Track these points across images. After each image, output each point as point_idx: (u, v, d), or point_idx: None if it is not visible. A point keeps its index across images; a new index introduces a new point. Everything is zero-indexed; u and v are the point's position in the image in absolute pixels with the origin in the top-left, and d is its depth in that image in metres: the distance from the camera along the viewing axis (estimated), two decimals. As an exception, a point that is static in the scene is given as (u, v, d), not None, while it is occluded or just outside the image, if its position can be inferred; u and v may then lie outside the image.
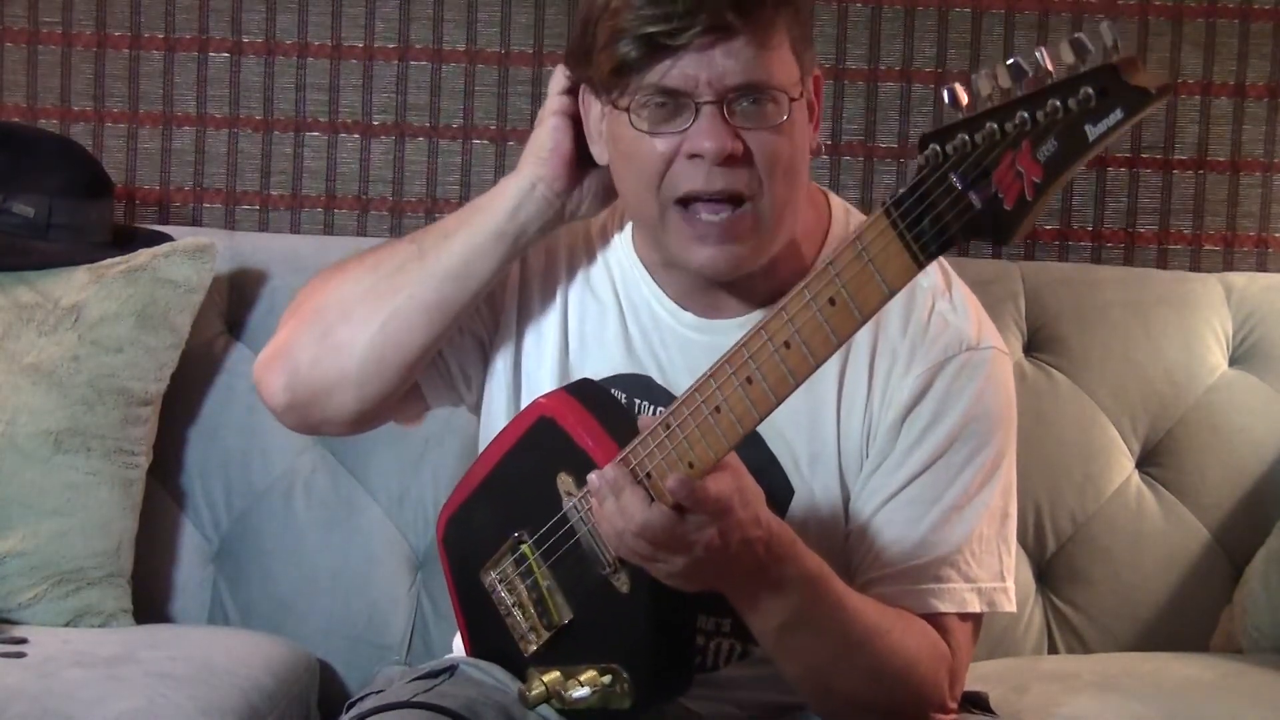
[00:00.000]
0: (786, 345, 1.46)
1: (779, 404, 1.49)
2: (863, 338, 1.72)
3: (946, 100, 1.35)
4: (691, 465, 1.50)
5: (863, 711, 1.68)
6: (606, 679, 1.62)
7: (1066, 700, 2.09)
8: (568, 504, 1.62)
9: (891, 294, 1.41)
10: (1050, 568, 2.40)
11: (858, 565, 1.72)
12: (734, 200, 1.64)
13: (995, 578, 1.73)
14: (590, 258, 1.81)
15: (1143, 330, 2.44)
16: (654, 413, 1.73)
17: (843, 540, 1.73)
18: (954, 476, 1.71)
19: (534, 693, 1.64)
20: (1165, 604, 2.39)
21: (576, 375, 1.77)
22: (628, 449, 1.54)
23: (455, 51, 2.64)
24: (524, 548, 1.68)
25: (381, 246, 1.85)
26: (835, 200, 1.81)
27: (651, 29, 1.59)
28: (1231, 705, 2.12)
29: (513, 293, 1.82)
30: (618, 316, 1.78)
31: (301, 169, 2.66)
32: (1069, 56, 1.31)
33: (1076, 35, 1.32)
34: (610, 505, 1.53)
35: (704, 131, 1.61)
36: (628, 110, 1.64)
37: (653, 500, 1.51)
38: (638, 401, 1.75)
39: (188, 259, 2.34)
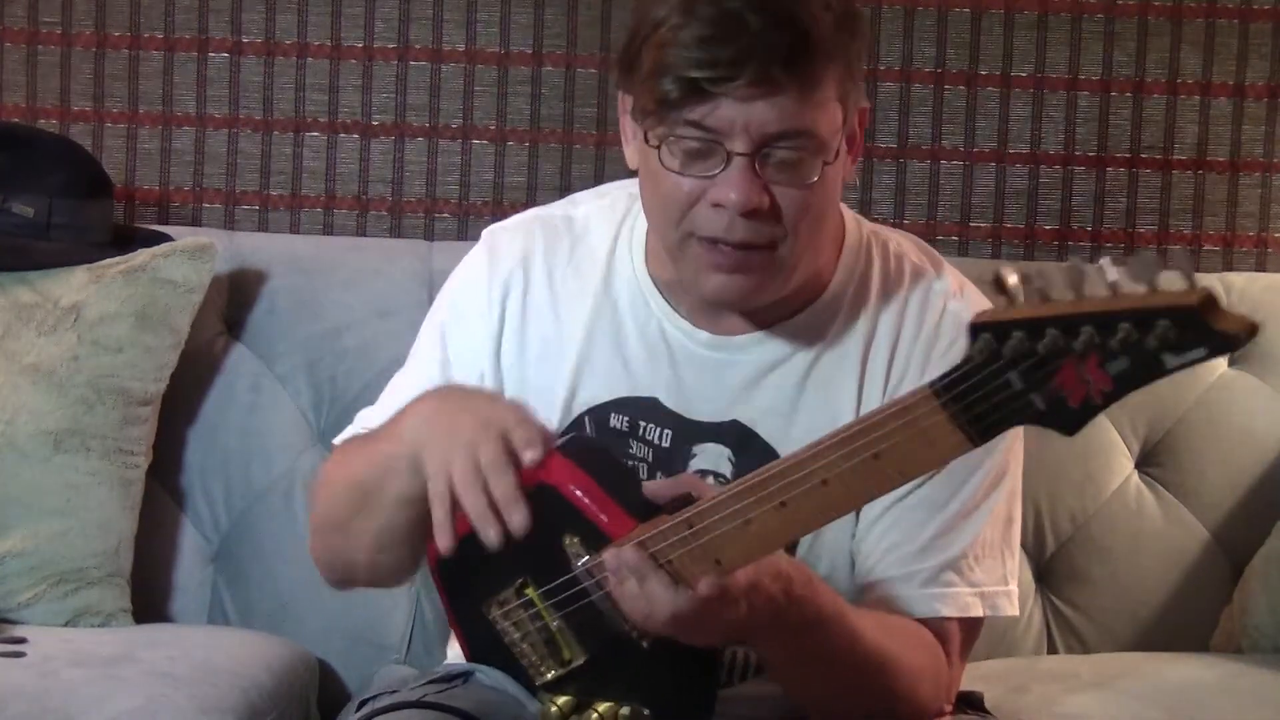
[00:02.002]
0: (824, 483, 1.42)
1: (818, 528, 1.50)
2: (881, 346, 1.72)
3: (994, 284, 1.30)
4: (719, 562, 1.48)
5: None
6: (625, 712, 1.60)
7: (1066, 700, 2.09)
8: (579, 567, 1.58)
9: (943, 464, 1.40)
10: (1050, 568, 2.40)
11: (860, 567, 1.72)
12: (754, 249, 1.63)
13: (999, 581, 1.73)
14: (586, 287, 1.79)
15: (1143, 330, 2.44)
16: (659, 435, 1.72)
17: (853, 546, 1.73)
18: (961, 482, 1.70)
19: (552, 711, 1.63)
20: (1165, 604, 2.39)
21: (576, 408, 1.75)
22: (645, 534, 1.50)
23: (455, 51, 2.64)
24: (530, 593, 1.64)
25: (340, 467, 1.78)
26: (848, 213, 1.79)
27: (696, 73, 1.56)
28: (1231, 705, 2.12)
29: (484, 364, 1.80)
30: (619, 340, 1.76)
31: (301, 169, 2.66)
32: (1138, 280, 1.25)
33: (1145, 255, 1.26)
34: (632, 587, 1.50)
35: (731, 182, 1.59)
36: (658, 147, 1.61)
37: (677, 585, 1.48)
38: (642, 424, 1.74)
39: (187, 259, 2.34)
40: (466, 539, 1.67)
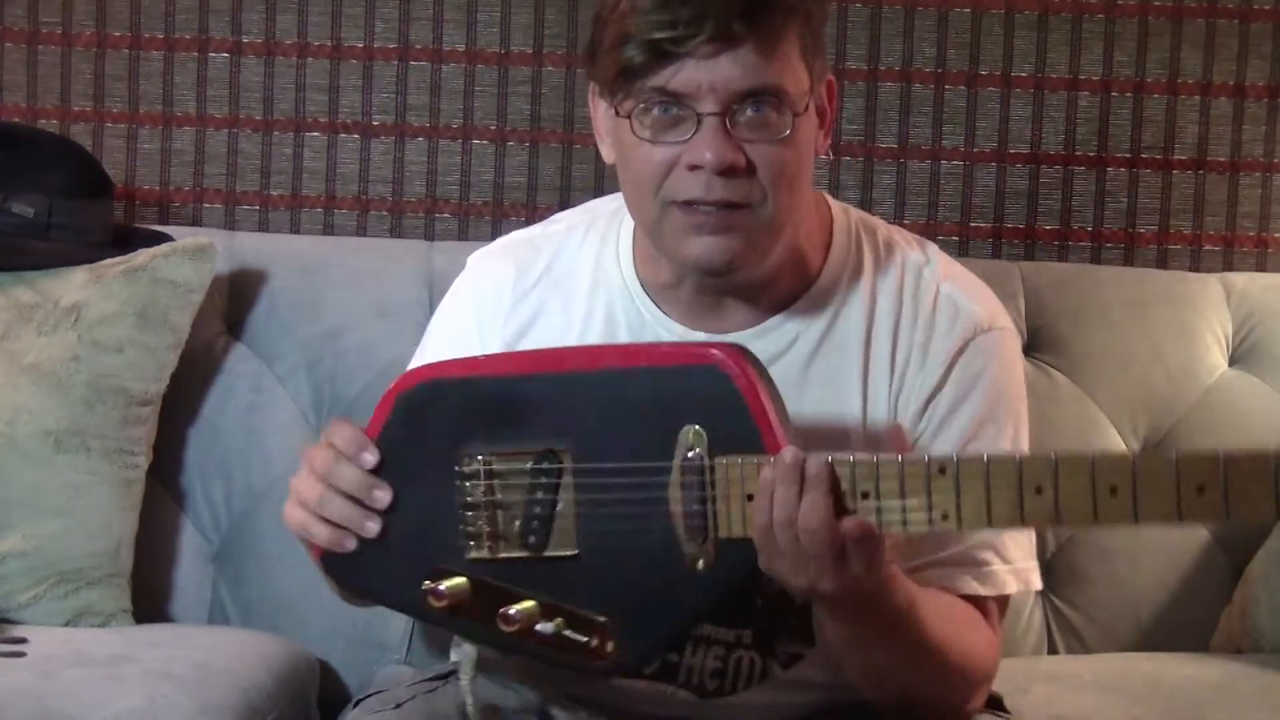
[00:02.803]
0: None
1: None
2: (881, 334, 1.72)
3: None
4: (945, 516, 1.45)
5: (918, 704, 1.67)
6: (557, 620, 1.53)
7: (1066, 700, 2.09)
8: (687, 458, 1.51)
9: None
10: (1050, 568, 2.39)
11: (901, 548, 1.69)
12: (734, 207, 1.63)
13: (1027, 555, 1.74)
14: (573, 303, 1.78)
15: (1143, 330, 2.44)
16: None
17: None
18: None
19: (449, 585, 1.56)
20: (1165, 604, 2.39)
21: None
22: (856, 458, 1.47)
23: (455, 52, 2.64)
24: (563, 463, 1.55)
25: None
26: (834, 203, 1.81)
27: (657, 35, 1.58)
28: (1231, 705, 2.11)
29: None
30: None
31: (301, 169, 2.66)
32: None
33: None
34: (786, 493, 1.47)
35: (705, 143, 1.60)
36: (629, 117, 1.63)
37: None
38: None
39: (188, 259, 2.34)
40: (512, 382, 1.59)
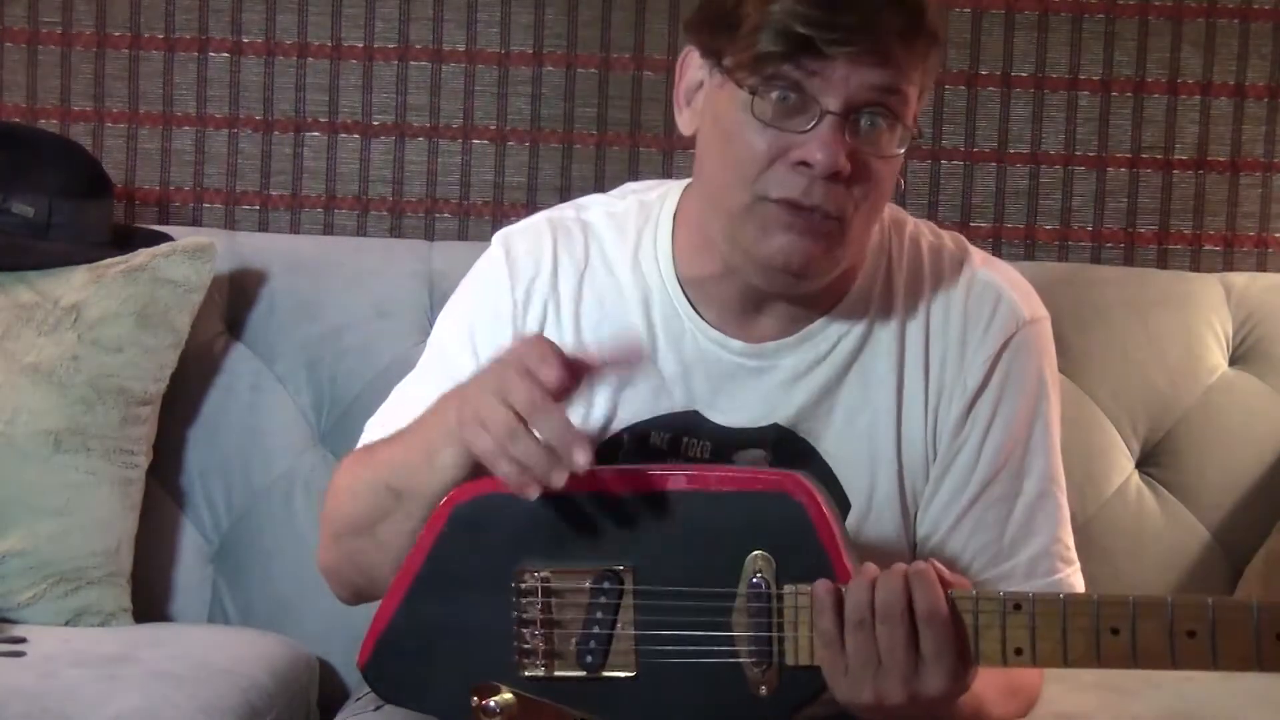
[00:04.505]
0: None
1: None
2: (914, 330, 1.70)
3: None
4: (1019, 652, 1.44)
5: None
6: None
7: (1066, 700, 2.09)
8: (752, 584, 1.50)
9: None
10: (1050, 568, 2.39)
11: (954, 568, 1.66)
12: (826, 217, 1.60)
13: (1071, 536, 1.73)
14: (609, 299, 1.73)
15: (1143, 330, 2.44)
16: (700, 449, 1.68)
17: (906, 548, 1.70)
18: (1029, 464, 1.70)
19: (499, 700, 1.55)
20: (1165, 604, 2.38)
21: (614, 426, 1.69)
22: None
23: (455, 51, 2.64)
24: (627, 585, 1.53)
25: (360, 473, 1.71)
26: None
27: (811, 32, 1.54)
28: (1231, 705, 2.11)
29: None
30: (652, 356, 1.71)
31: (301, 169, 2.66)
32: None
33: None
34: (860, 595, 1.46)
35: (821, 142, 1.56)
36: (754, 93, 1.57)
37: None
38: (684, 440, 1.69)
39: (187, 259, 2.34)
40: (563, 501, 1.55)
